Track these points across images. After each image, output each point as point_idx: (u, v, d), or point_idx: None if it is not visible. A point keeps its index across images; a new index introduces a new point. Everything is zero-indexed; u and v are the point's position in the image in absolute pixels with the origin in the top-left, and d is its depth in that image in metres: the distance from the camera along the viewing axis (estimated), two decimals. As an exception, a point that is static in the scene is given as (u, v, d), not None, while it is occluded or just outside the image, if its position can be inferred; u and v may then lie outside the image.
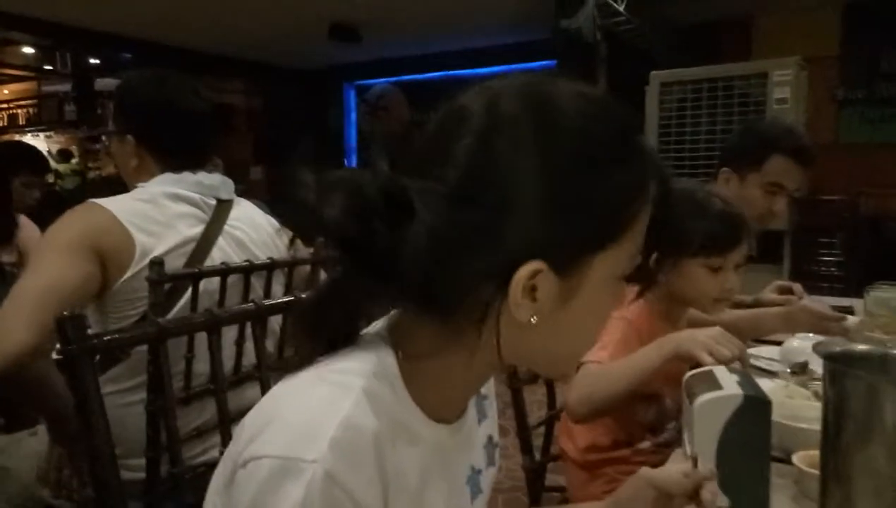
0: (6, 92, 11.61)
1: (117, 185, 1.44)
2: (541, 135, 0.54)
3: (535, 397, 1.77)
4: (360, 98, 9.98)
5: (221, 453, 0.61)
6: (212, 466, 0.61)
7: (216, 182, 1.39)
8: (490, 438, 0.76)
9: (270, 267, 1.45)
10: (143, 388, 1.22)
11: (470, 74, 8.73)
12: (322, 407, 0.52)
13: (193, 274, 1.28)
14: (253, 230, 1.46)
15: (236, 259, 1.39)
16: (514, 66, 8.26)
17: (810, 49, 4.75)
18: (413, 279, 0.53)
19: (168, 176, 1.34)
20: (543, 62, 7.95)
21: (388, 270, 0.53)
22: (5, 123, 11.39)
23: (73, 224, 1.21)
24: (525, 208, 0.53)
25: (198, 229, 1.34)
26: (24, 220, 2.34)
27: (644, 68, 4.33)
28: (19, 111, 11.27)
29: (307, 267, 1.58)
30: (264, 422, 0.53)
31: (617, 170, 0.56)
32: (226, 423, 1.15)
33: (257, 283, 1.43)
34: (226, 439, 1.16)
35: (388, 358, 0.58)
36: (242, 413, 0.59)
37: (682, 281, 1.37)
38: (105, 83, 7.65)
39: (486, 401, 0.77)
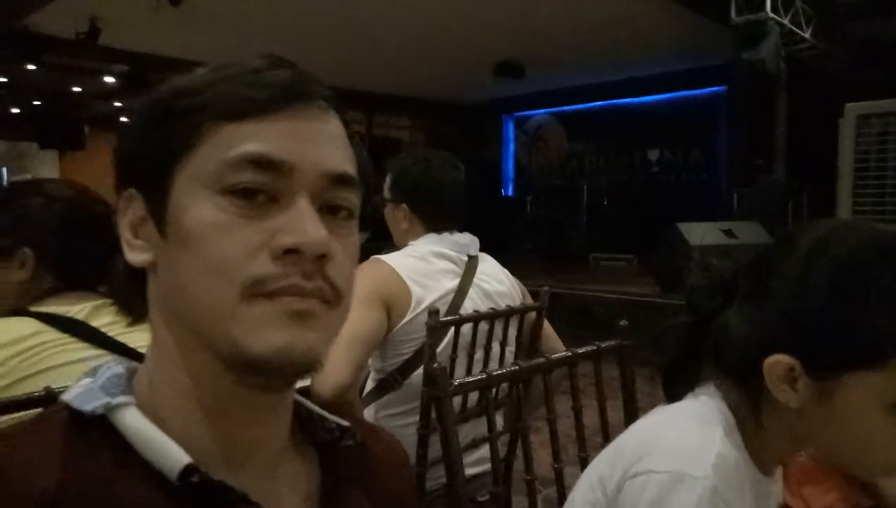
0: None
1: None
2: (834, 268, 0.67)
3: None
4: (518, 129, 10.29)
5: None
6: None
7: (467, 241, 1.63)
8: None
9: (509, 313, 1.64)
10: (415, 413, 1.46)
11: (631, 103, 8.68)
12: (700, 439, 0.69)
13: (456, 320, 1.50)
14: (497, 282, 1.67)
15: (483, 307, 1.60)
16: (680, 94, 8.10)
17: None
18: (729, 351, 0.71)
19: (433, 236, 1.60)
20: (713, 88, 7.74)
21: (710, 339, 0.73)
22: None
23: (365, 279, 1.48)
24: (798, 316, 0.67)
25: (455, 282, 1.57)
26: None
27: (833, 96, 4.11)
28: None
29: (534, 314, 1.76)
30: (650, 445, 0.69)
31: (876, 313, 0.65)
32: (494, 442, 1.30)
33: (498, 327, 1.64)
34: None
35: (728, 416, 0.73)
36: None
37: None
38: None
39: None
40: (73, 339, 1.05)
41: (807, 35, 4.84)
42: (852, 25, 4.97)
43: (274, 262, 0.44)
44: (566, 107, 9.45)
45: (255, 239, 0.44)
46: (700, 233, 5.11)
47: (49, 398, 0.91)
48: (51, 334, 1.04)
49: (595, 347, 1.11)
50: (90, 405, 0.46)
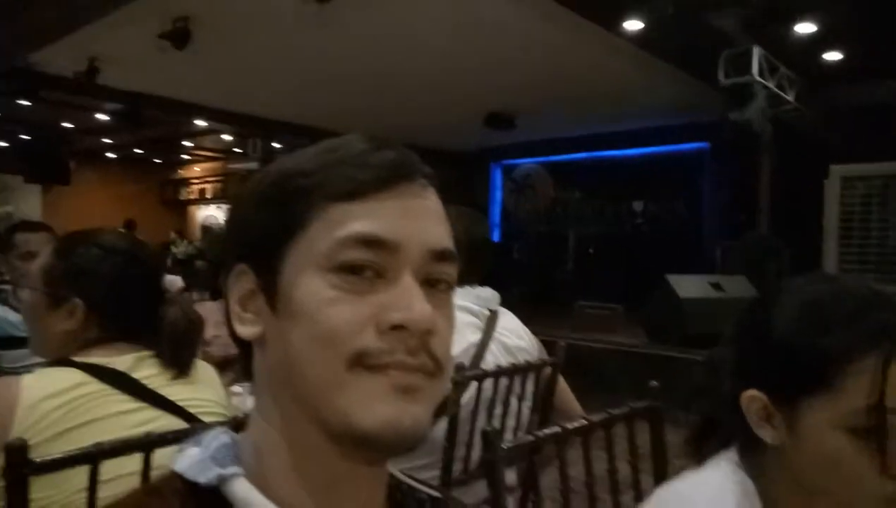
0: (197, 169, 13.41)
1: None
2: (793, 301, 0.76)
3: None
4: (506, 177, 10.46)
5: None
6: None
7: (489, 295, 1.65)
8: None
9: (527, 369, 1.66)
10: (434, 467, 1.48)
11: (618, 155, 8.90)
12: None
13: (479, 375, 1.52)
14: (517, 337, 1.70)
15: (503, 362, 1.62)
16: (664, 148, 8.34)
17: None
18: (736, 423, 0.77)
19: (456, 289, 1.62)
20: (697, 144, 7.99)
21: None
22: (196, 196, 13.13)
23: None
24: (761, 351, 0.75)
25: (477, 336, 1.59)
26: None
27: (818, 156, 4.27)
28: (207, 186, 12.95)
29: (549, 369, 1.79)
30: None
31: (820, 335, 0.70)
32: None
33: (517, 382, 1.65)
34: None
35: (746, 483, 0.76)
36: None
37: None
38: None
39: None
40: (116, 391, 1.05)
41: (790, 98, 5.05)
42: (835, 89, 5.19)
43: (380, 337, 0.46)
44: (554, 157, 9.65)
45: (363, 313, 0.46)
46: (688, 286, 5.21)
47: (98, 453, 0.92)
48: (94, 385, 1.04)
49: (629, 409, 1.13)
50: (204, 476, 0.48)
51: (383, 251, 0.47)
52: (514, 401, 1.65)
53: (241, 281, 0.51)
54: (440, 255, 0.50)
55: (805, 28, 4.45)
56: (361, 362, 0.45)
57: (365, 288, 0.46)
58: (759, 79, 4.61)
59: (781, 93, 4.84)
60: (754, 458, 0.77)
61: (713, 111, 5.21)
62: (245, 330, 0.50)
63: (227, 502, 0.47)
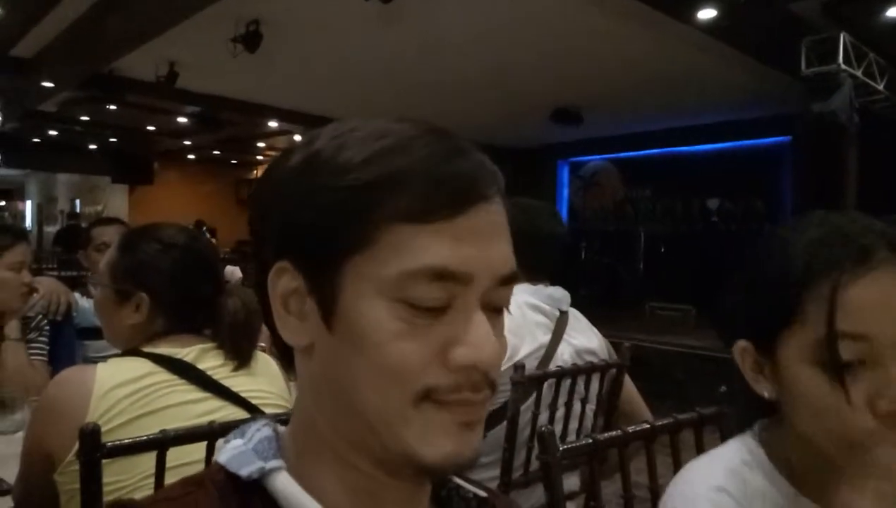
0: (268, 170, 13.85)
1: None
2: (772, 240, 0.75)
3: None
4: (573, 174, 10.29)
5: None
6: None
7: (560, 295, 1.61)
8: None
9: (590, 370, 1.61)
10: (494, 467, 1.46)
11: (690, 150, 8.59)
12: (700, 478, 0.73)
13: (540, 376, 1.49)
14: (586, 339, 1.65)
15: (570, 363, 1.58)
16: (741, 143, 7.99)
17: None
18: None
19: (528, 286, 1.58)
20: (776, 138, 7.60)
21: None
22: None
23: None
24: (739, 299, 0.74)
25: (547, 337, 1.56)
26: None
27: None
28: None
29: (614, 371, 1.73)
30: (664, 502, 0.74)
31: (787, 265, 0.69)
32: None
33: (581, 383, 1.61)
34: None
35: (754, 447, 0.74)
36: None
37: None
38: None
39: None
40: (182, 381, 1.08)
41: (880, 87, 4.73)
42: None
43: (448, 373, 0.44)
44: (623, 154, 9.40)
45: (431, 348, 0.44)
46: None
47: (165, 440, 0.95)
48: (162, 375, 1.07)
49: (696, 414, 1.07)
50: (246, 469, 0.47)
51: (454, 283, 0.44)
52: (577, 404, 1.60)
53: (284, 280, 0.47)
54: (507, 280, 0.47)
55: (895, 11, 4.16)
56: (428, 398, 0.44)
57: (432, 321, 0.44)
58: (845, 67, 4.33)
59: (870, 82, 4.54)
60: (771, 428, 0.75)
61: (795, 103, 4.94)
62: (292, 338, 0.48)
63: (269, 495, 0.47)
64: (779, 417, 0.73)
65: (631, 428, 0.98)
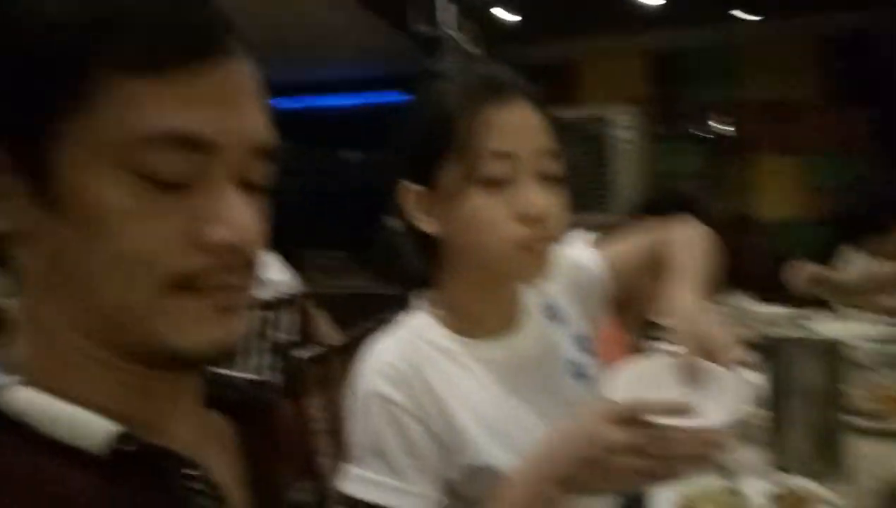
0: None
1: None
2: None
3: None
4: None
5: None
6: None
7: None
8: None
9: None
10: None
11: (328, 105, 8.86)
12: (370, 356, 0.82)
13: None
14: None
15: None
16: (370, 98, 8.52)
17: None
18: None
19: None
20: (398, 94, 8.33)
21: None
22: None
23: None
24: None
25: None
26: None
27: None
28: None
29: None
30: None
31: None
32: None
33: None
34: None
35: (421, 312, 0.85)
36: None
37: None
38: None
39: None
40: None
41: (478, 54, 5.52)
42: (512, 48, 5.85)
43: (199, 255, 0.40)
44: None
45: (177, 228, 0.40)
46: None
47: None
48: None
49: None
50: None
51: (200, 153, 0.39)
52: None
53: None
54: (262, 153, 0.43)
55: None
56: (179, 284, 0.40)
57: (177, 197, 0.40)
58: (447, 31, 4.96)
59: (469, 49, 5.27)
60: (433, 294, 0.84)
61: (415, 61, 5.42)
62: None
63: (8, 418, 0.39)
64: (439, 276, 0.82)
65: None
